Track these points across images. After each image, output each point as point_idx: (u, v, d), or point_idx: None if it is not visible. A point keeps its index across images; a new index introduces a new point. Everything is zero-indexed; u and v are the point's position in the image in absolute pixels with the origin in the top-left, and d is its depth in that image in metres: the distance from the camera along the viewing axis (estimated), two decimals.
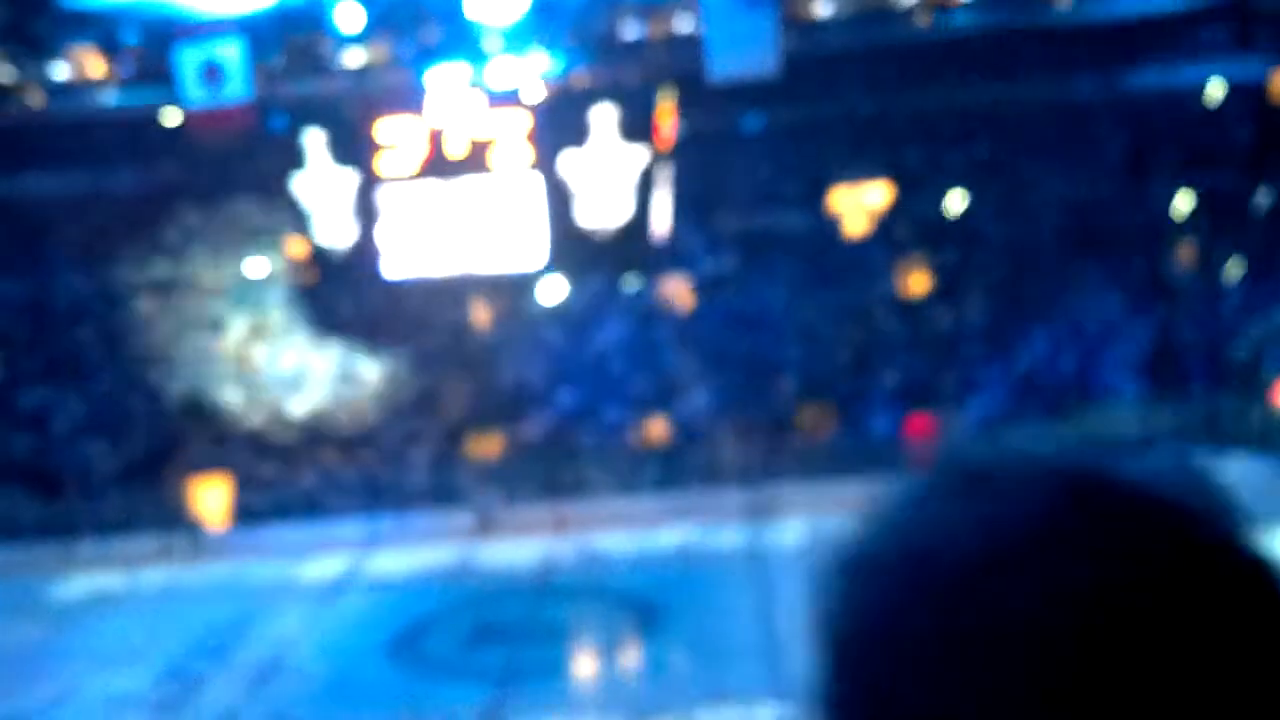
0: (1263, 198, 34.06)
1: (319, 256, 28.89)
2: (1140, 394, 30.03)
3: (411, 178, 25.86)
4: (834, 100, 35.65)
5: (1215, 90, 36.87)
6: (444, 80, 26.13)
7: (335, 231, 27.81)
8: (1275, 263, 31.91)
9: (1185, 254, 33.56)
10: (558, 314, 34.19)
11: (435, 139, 24.98)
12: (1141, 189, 34.40)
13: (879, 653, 0.85)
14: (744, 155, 36.71)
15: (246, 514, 30.05)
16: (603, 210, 27.31)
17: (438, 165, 25.27)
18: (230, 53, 27.50)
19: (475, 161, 25.17)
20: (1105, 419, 29.86)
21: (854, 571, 0.90)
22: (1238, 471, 27.88)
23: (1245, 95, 36.39)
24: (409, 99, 25.79)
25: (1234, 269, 32.73)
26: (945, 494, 0.89)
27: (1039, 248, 34.11)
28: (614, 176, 26.75)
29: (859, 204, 37.01)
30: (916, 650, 0.83)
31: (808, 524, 27.61)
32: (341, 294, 32.56)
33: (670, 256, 33.66)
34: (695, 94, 33.32)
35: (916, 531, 0.89)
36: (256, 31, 28.43)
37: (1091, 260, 32.95)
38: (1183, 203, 34.55)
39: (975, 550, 0.86)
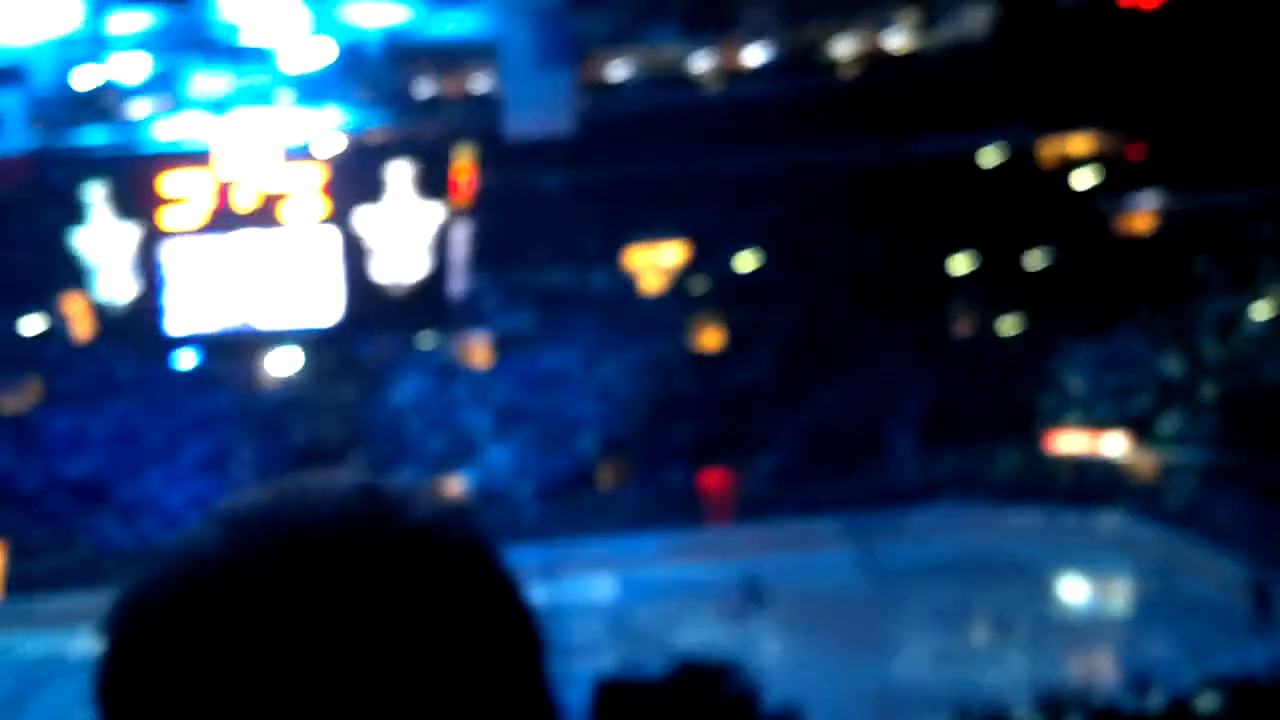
0: (1035, 258, 35.91)
1: (99, 313, 27.82)
2: (923, 445, 31.13)
3: (198, 232, 25.16)
4: (631, 161, 36.25)
5: (991, 156, 38.81)
6: (235, 133, 25.62)
7: (116, 287, 26.84)
8: (1047, 319, 33.61)
9: (964, 312, 35.07)
10: (353, 371, 33.65)
11: (224, 192, 24.41)
12: (922, 250, 35.88)
13: (144, 695, 0.93)
14: (543, 213, 36.95)
15: (18, 583, 28.54)
16: (399, 266, 27.06)
17: (226, 219, 24.68)
18: (7, 102, 26.42)
19: (266, 215, 24.67)
20: (890, 469, 30.86)
21: (125, 616, 0.98)
22: (1015, 520, 29.21)
23: (1018, 161, 38.42)
24: (197, 152, 25.15)
25: (1009, 326, 34.35)
26: (213, 539, 0.98)
27: (828, 306, 35.20)
28: (410, 232, 26.57)
29: (655, 262, 37.62)
30: (183, 697, 0.92)
31: (605, 579, 27.70)
32: (122, 351, 31.40)
33: (468, 313, 33.55)
34: (493, 152, 33.44)
35: (183, 575, 0.97)
36: (36, 80, 27.40)
37: (877, 318, 34.14)
38: (961, 263, 36.16)
39: (218, 584, 0.95)
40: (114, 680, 0.95)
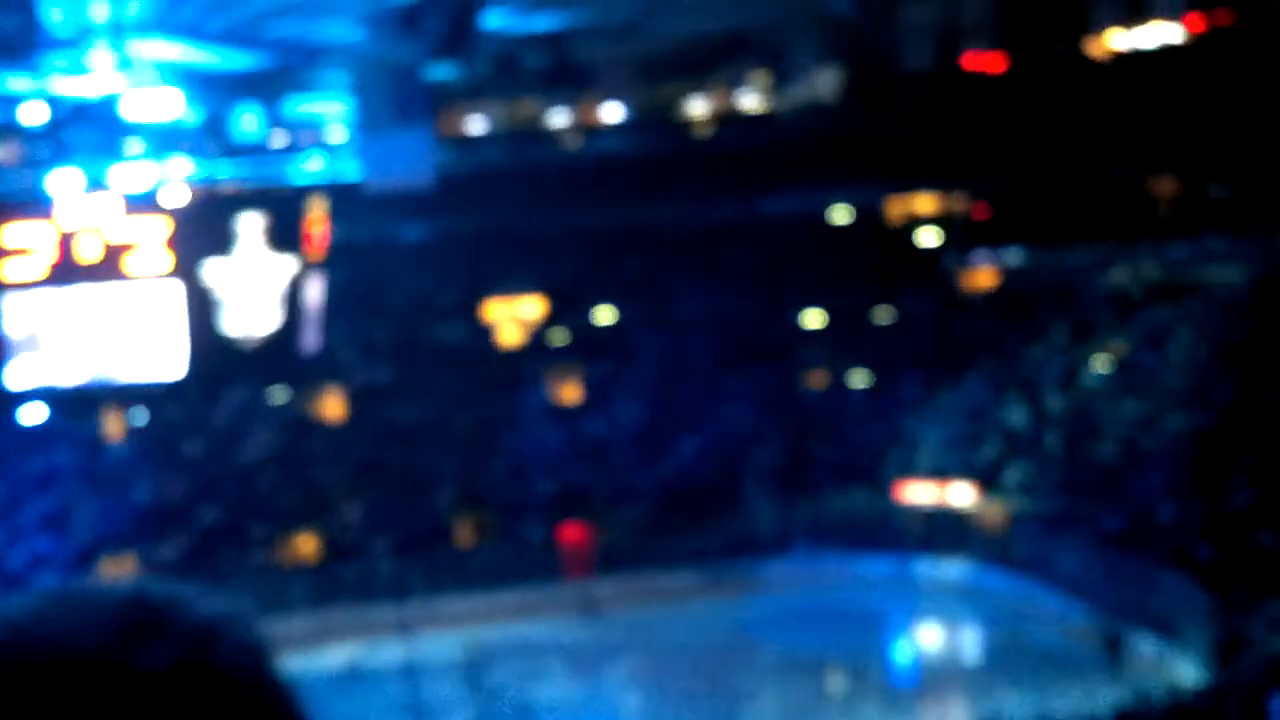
0: (883, 313, 36.80)
1: None
2: (778, 496, 31.52)
3: (39, 283, 24.35)
4: (490, 214, 36.24)
5: (840, 215, 39.75)
6: (77, 183, 24.91)
7: None
8: (895, 372, 34.42)
9: (815, 366, 35.73)
10: (200, 426, 32.82)
11: (66, 243, 23.68)
12: (776, 305, 36.50)
13: None
14: (400, 266, 36.67)
15: None
16: (250, 319, 26.54)
17: (68, 270, 23.93)
18: None
19: (110, 267, 23.99)
20: (746, 521, 31.15)
21: None
22: (867, 569, 29.67)
23: (866, 219, 39.43)
24: (39, 202, 24.40)
25: (858, 379, 35.08)
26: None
27: (685, 359, 35.54)
28: (262, 285, 26.10)
29: (514, 315, 37.58)
30: None
31: (461, 636, 27.33)
32: None
33: (322, 366, 33.03)
34: (349, 203, 33.12)
35: None
36: None
37: (732, 371, 34.57)
38: (813, 318, 36.88)
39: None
40: None
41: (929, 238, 39.22)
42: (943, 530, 30.02)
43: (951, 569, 29.39)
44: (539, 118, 38.90)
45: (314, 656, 26.58)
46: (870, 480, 31.40)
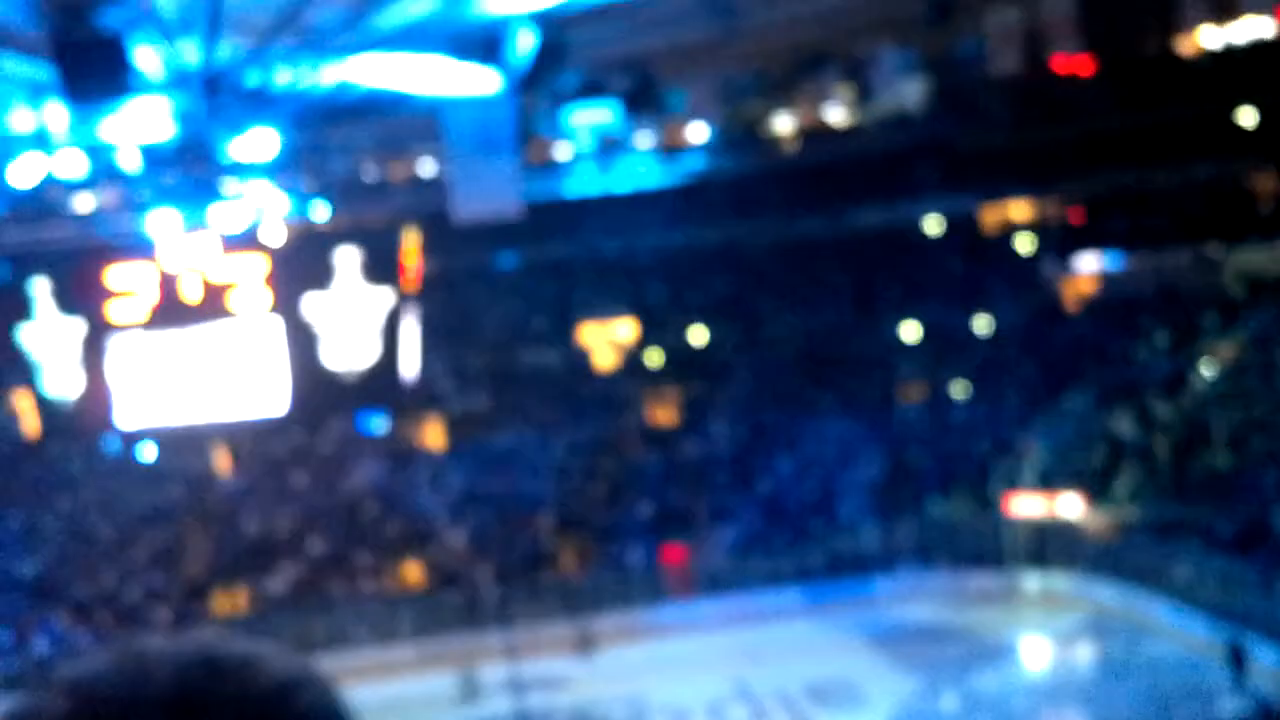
0: (980, 324, 36.28)
1: (45, 409, 27.42)
2: (879, 513, 31.16)
3: (144, 325, 24.92)
4: (580, 239, 36.43)
5: (932, 226, 39.32)
6: (177, 224, 25.49)
7: (63, 383, 26.52)
8: (995, 384, 33.88)
9: (914, 379, 35.30)
10: (305, 459, 33.33)
11: (168, 284, 24.20)
12: (869, 320, 36.17)
13: None
14: (493, 294, 37.01)
15: None
16: (349, 352, 26.94)
17: (172, 311, 24.44)
18: None
19: (211, 306, 24.46)
20: (847, 538, 30.82)
21: None
22: (976, 584, 29.16)
23: (959, 228, 38.96)
24: (140, 244, 24.97)
25: (958, 391, 34.59)
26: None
27: (778, 377, 35.33)
28: (359, 318, 26.49)
29: (607, 338, 37.70)
30: None
31: (566, 661, 27.38)
32: (70, 448, 30.96)
33: (421, 396, 33.38)
34: (442, 234, 33.47)
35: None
36: None
37: (827, 388, 34.29)
38: (908, 331, 36.47)
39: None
40: None
41: (1025, 245, 38.64)
42: (1052, 542, 29.44)
43: (1062, 581, 28.79)
44: (624, 141, 39.06)
45: (421, 681, 26.84)
46: (976, 493, 30.90)
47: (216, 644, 0.99)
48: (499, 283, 37.55)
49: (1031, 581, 29.27)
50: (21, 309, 27.76)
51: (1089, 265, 37.11)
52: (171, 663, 0.97)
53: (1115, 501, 29.44)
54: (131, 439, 29.43)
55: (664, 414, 35.77)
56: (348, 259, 27.22)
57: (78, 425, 28.49)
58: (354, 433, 33.72)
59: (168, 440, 30.80)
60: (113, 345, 25.68)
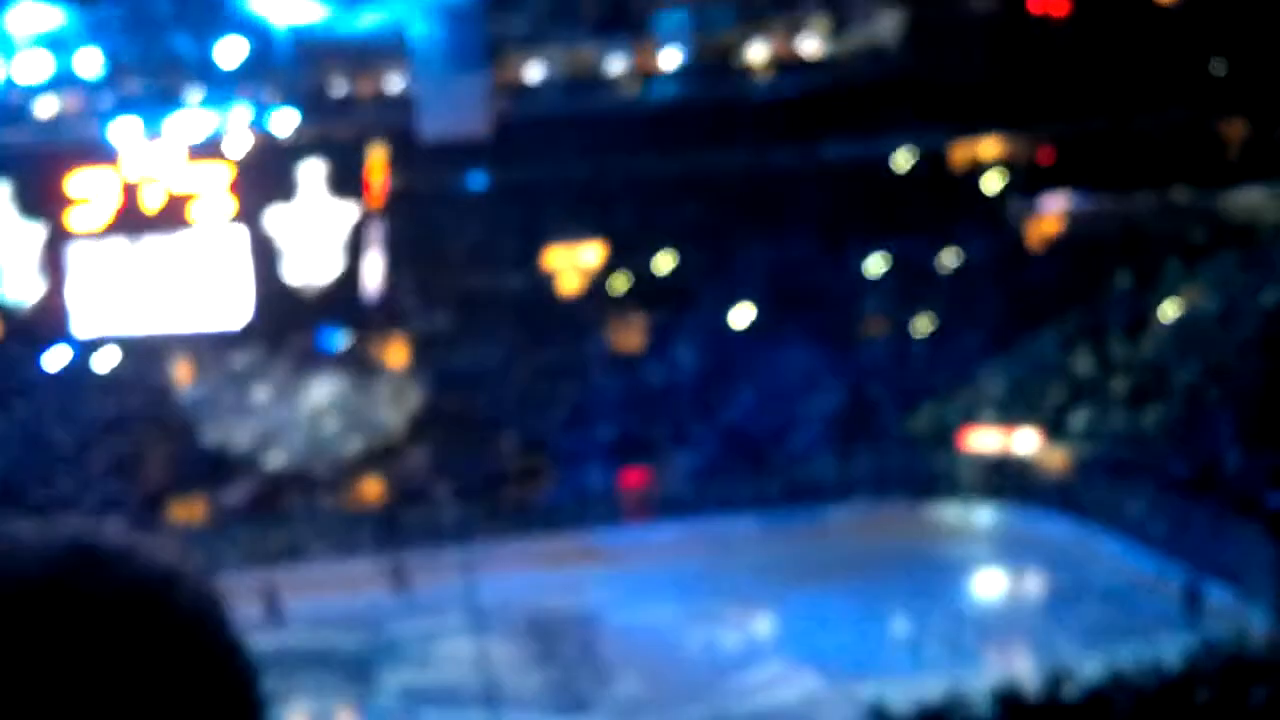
0: (947, 259, 36.37)
1: (4, 313, 27.17)
2: (838, 443, 31.38)
3: (104, 232, 24.67)
4: (548, 163, 36.14)
5: (902, 159, 39.26)
6: (141, 132, 25.14)
7: (21, 288, 26.22)
8: (958, 319, 34.05)
9: (877, 313, 35.41)
10: (265, 373, 33.17)
11: (130, 192, 23.92)
12: (837, 252, 36.17)
13: None
14: (460, 214, 36.72)
15: None
16: (311, 267, 26.73)
17: (133, 220, 24.21)
18: None
19: (173, 216, 24.24)
20: (805, 469, 31.07)
21: None
22: (930, 516, 29.53)
23: (929, 164, 38.91)
24: (103, 151, 24.66)
25: (921, 326, 34.74)
26: None
27: (744, 306, 35.35)
28: (323, 232, 26.26)
29: (573, 263, 37.56)
30: None
31: (521, 578, 27.58)
32: (27, 353, 30.66)
33: (384, 314, 33.24)
34: (409, 153, 33.14)
35: None
36: None
37: (792, 319, 34.36)
38: (874, 264, 36.52)
39: None
40: None
41: (993, 183, 38.67)
42: (1007, 476, 29.80)
43: (1015, 515, 29.18)
44: (596, 65, 38.68)
45: (371, 597, 27.04)
46: (933, 427, 31.17)
47: (91, 533, 0.98)
48: (466, 203, 37.28)
49: (985, 515, 29.64)
50: None
51: (1056, 205, 37.21)
52: (44, 550, 0.96)
53: (1071, 438, 29.80)
54: (90, 346, 29.25)
55: (628, 339, 35.78)
56: (313, 172, 26.99)
57: (35, 330, 28.33)
58: (315, 348, 33.56)
59: (128, 348, 30.62)
60: (73, 252, 25.46)
